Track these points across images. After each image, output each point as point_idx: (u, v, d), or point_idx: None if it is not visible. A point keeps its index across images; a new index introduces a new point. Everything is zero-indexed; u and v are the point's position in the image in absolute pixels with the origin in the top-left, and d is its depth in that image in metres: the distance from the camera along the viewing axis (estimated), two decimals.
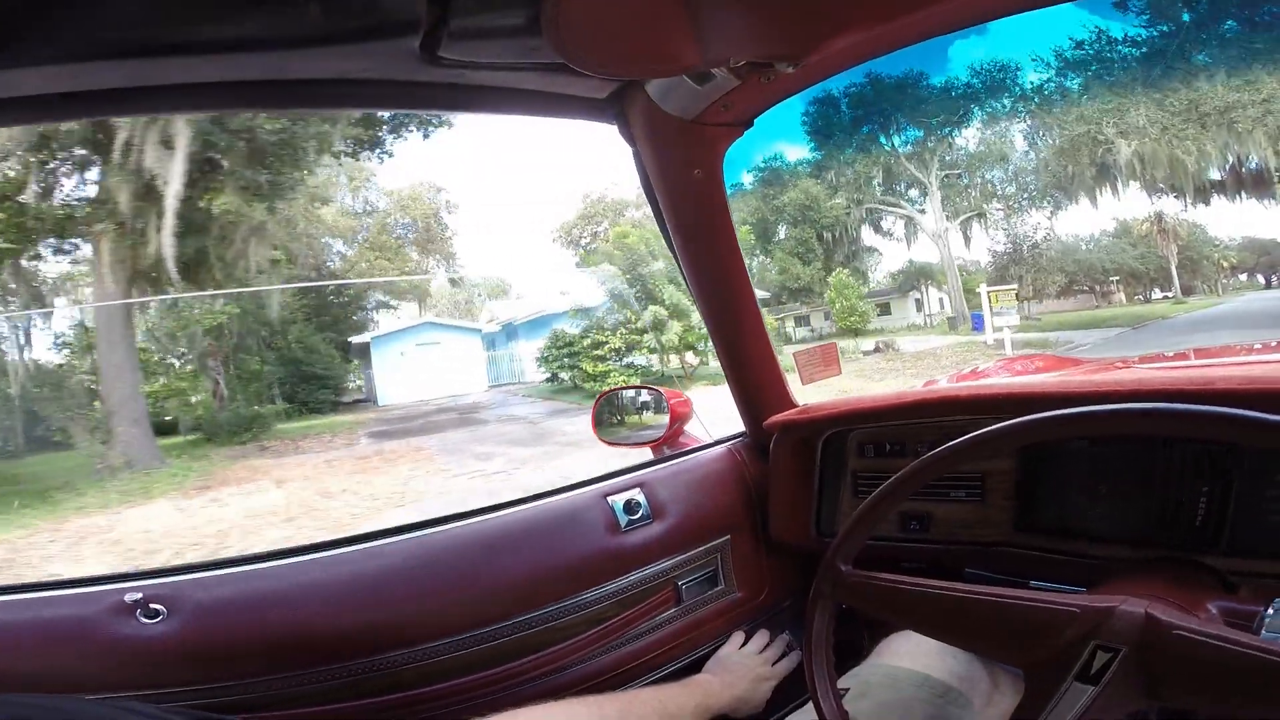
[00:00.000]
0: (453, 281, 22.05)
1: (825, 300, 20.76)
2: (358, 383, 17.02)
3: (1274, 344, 1.19)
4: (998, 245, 25.25)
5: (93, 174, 9.62)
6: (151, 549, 6.07)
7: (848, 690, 0.73)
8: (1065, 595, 0.57)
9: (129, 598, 0.74)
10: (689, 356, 13.98)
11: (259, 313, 14.62)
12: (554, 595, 0.91)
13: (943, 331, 18.05)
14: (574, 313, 14.49)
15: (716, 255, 0.99)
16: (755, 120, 0.86)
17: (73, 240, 10.38)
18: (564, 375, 14.22)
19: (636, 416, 1.36)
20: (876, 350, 14.48)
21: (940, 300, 25.25)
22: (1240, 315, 15.14)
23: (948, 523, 0.93)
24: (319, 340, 15.95)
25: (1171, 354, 1.24)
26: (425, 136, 14.20)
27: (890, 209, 21.03)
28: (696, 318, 12.18)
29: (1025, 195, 23.04)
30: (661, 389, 1.29)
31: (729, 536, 1.07)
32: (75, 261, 11.15)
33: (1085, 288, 27.16)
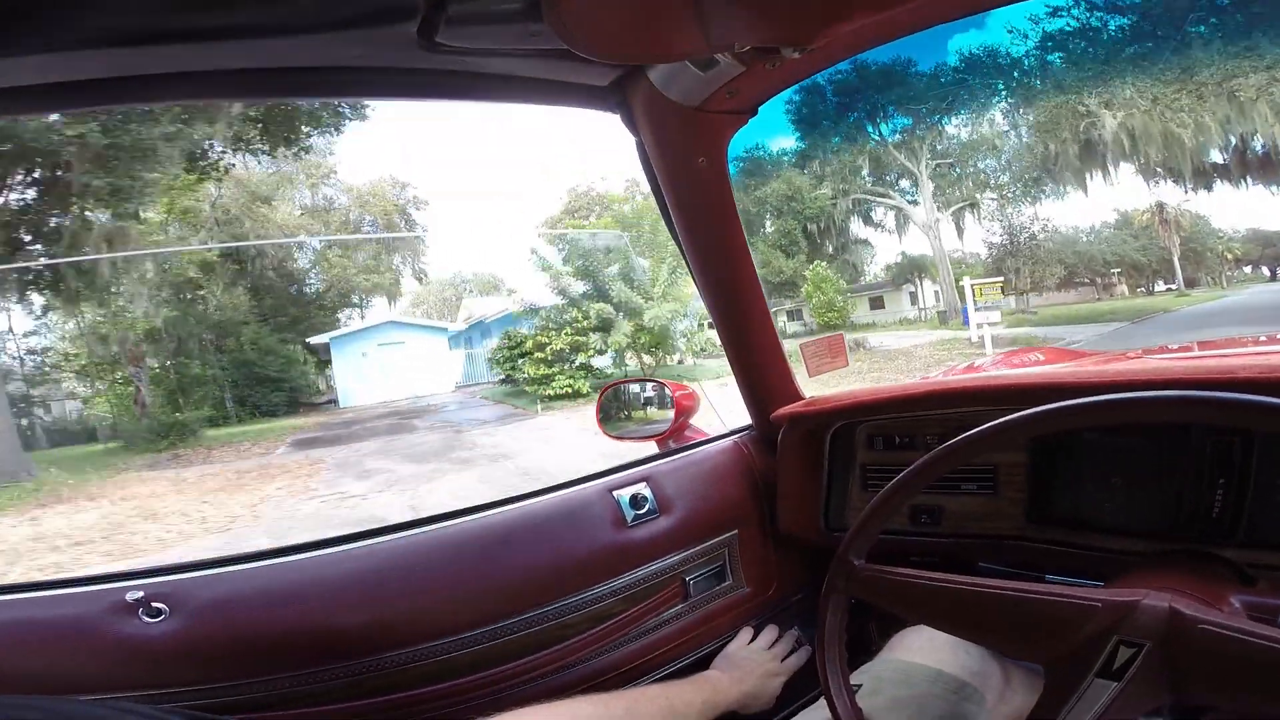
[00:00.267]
0: (418, 277, 21.95)
1: (802, 294, 20.96)
2: (329, 384, 17.17)
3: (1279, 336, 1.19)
4: (994, 236, 25.49)
5: None
6: None
7: (860, 686, 0.75)
8: (1085, 589, 0.58)
9: (131, 596, 0.76)
10: (656, 357, 14.09)
11: (202, 314, 14.64)
12: (560, 591, 0.93)
13: (934, 326, 18.34)
14: (525, 312, 14.53)
15: (721, 245, 1.02)
16: (760, 108, 0.89)
17: None
18: (517, 377, 14.39)
19: (641, 410, 1.40)
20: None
21: (936, 293, 25.60)
22: (1245, 309, 15.34)
23: (959, 516, 0.96)
24: (275, 341, 16.06)
25: (1175, 346, 1.28)
26: (336, 131, 14.37)
27: (879, 200, 21.30)
28: (650, 316, 12.36)
29: (1019, 184, 23.38)
30: (666, 382, 1.33)
31: (736, 531, 1.11)
32: None
33: (1086, 280, 27.54)
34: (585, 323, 13.01)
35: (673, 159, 0.94)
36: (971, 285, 13.48)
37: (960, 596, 0.63)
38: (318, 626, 0.82)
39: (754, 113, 0.90)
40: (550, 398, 12.83)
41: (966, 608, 0.63)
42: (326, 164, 19.91)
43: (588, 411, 11.28)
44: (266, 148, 13.25)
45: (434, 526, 0.94)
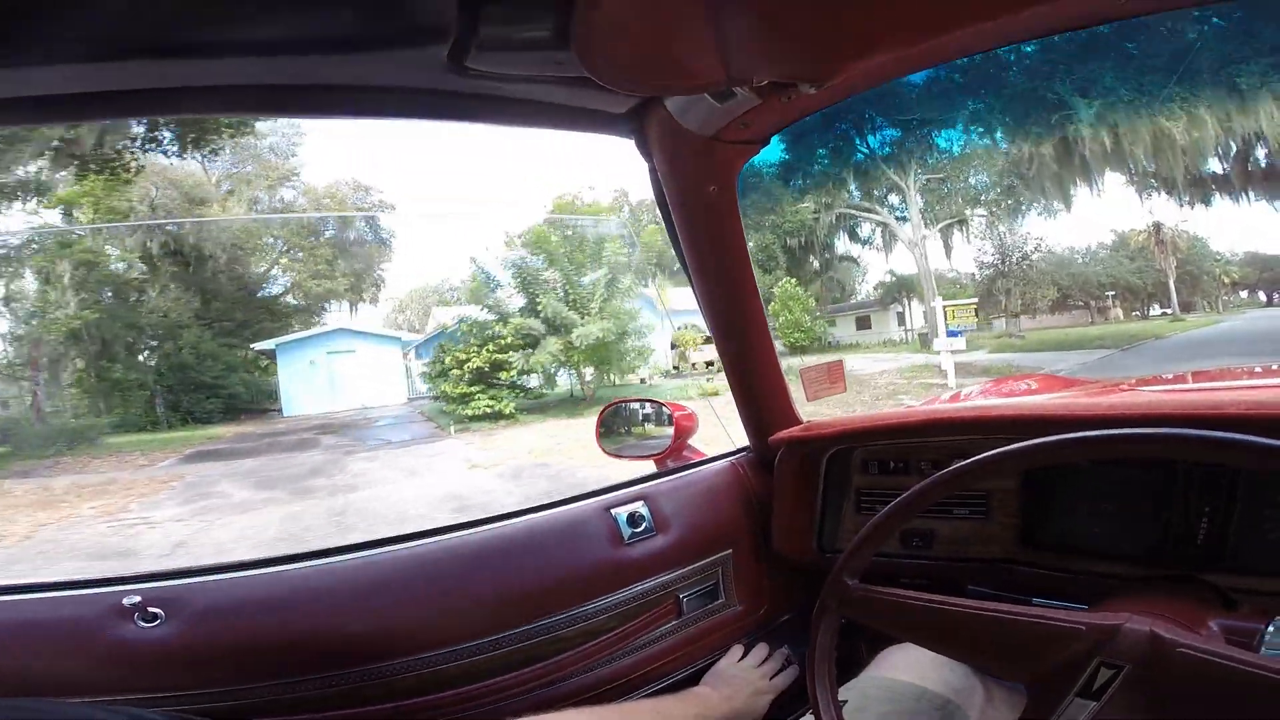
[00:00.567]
0: (375, 284, 21.77)
1: (769, 312, 21.16)
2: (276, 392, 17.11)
3: (1275, 367, 1.32)
4: (985, 256, 25.78)
5: None
6: None
7: (846, 702, 0.80)
8: (1070, 612, 0.64)
9: (127, 601, 0.81)
10: (603, 374, 14.12)
11: (133, 316, 14.60)
12: (556, 606, 1.00)
13: (915, 349, 18.65)
14: (460, 325, 14.51)
15: (728, 271, 1.10)
16: (772, 138, 0.97)
17: None
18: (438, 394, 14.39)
19: (640, 428, 1.48)
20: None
21: (925, 314, 25.98)
22: (1240, 337, 15.49)
23: (951, 540, 1.05)
24: (216, 346, 16.02)
25: (1170, 376, 1.37)
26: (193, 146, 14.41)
27: (864, 215, 21.61)
28: (579, 334, 12.42)
29: (1009, 199, 23.77)
30: (666, 403, 1.42)
31: (730, 550, 1.19)
32: None
33: (1080, 303, 27.97)
34: (508, 339, 13.00)
35: (685, 186, 1.01)
36: (944, 307, 13.59)
37: (950, 617, 0.69)
38: (314, 635, 0.87)
39: (765, 143, 0.97)
40: (469, 418, 12.73)
41: (956, 627, 0.69)
42: (286, 166, 20.07)
43: (504, 437, 11.26)
44: (176, 148, 13.41)
45: (432, 540, 1.00)
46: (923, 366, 13.62)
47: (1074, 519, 0.96)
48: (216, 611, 0.85)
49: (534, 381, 13.77)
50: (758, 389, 1.22)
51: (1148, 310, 26.72)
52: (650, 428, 1.46)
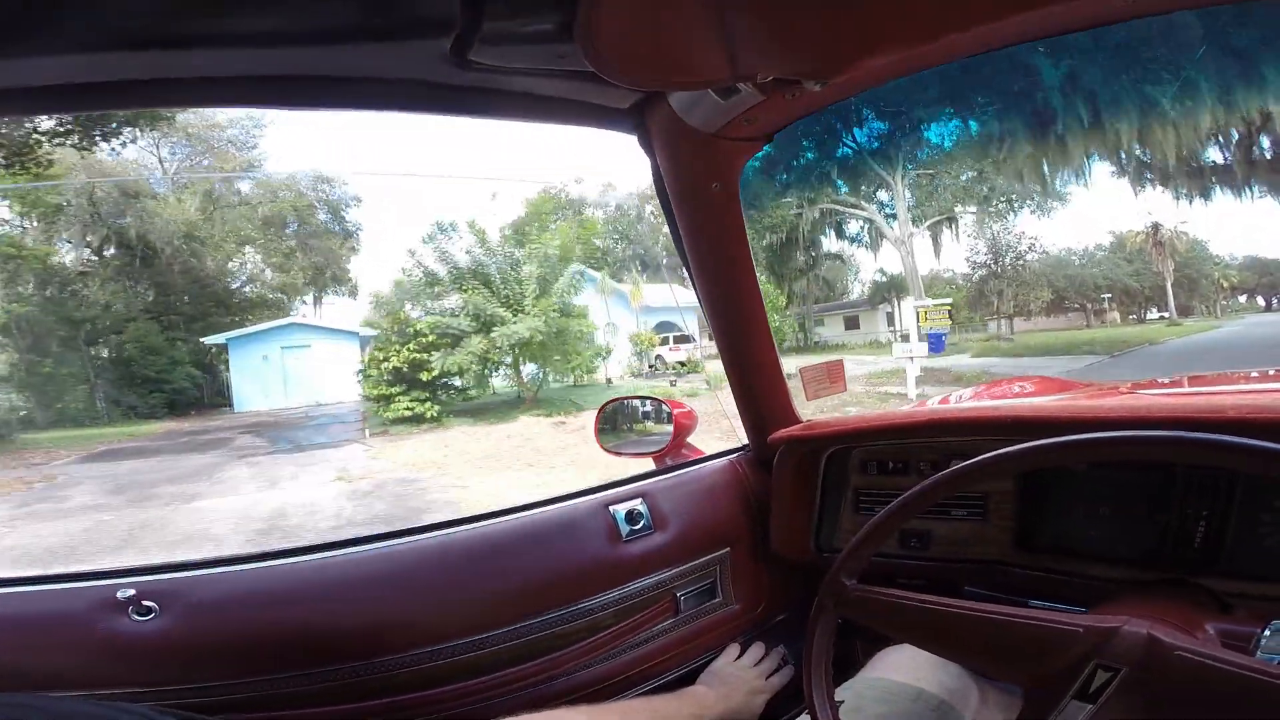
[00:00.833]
0: (337, 278, 21.53)
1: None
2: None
3: (1271, 372, 1.38)
4: (977, 255, 25.92)
5: None
6: None
7: (842, 703, 0.83)
8: (1068, 615, 0.67)
9: (121, 594, 0.83)
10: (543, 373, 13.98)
11: (65, 311, 14.71)
12: (553, 602, 1.05)
13: (889, 352, 18.85)
14: (386, 321, 14.41)
15: (729, 268, 1.14)
16: (775, 135, 1.01)
17: None
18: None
19: (639, 425, 1.54)
20: None
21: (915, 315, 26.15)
22: (1236, 343, 15.65)
23: (948, 540, 1.10)
24: (162, 340, 16.02)
25: (1166, 380, 1.41)
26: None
27: (850, 210, 21.66)
28: (502, 333, 12.32)
29: (1000, 199, 23.84)
30: (666, 400, 1.48)
31: (728, 549, 1.24)
32: None
33: (1076, 305, 28.24)
34: (429, 338, 12.87)
35: (687, 183, 1.05)
36: (916, 308, 13.27)
37: (948, 618, 0.73)
38: (310, 629, 0.91)
39: (769, 140, 1.01)
40: (391, 421, 12.59)
41: (953, 629, 0.73)
42: (244, 158, 20.23)
43: (413, 444, 11.13)
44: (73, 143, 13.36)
45: (430, 535, 1.04)
46: (892, 372, 13.62)
47: (1070, 521, 1.00)
48: (212, 605, 0.88)
49: (465, 381, 13.65)
50: (757, 388, 1.27)
51: (1145, 314, 27.04)
52: (650, 425, 1.52)
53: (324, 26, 0.69)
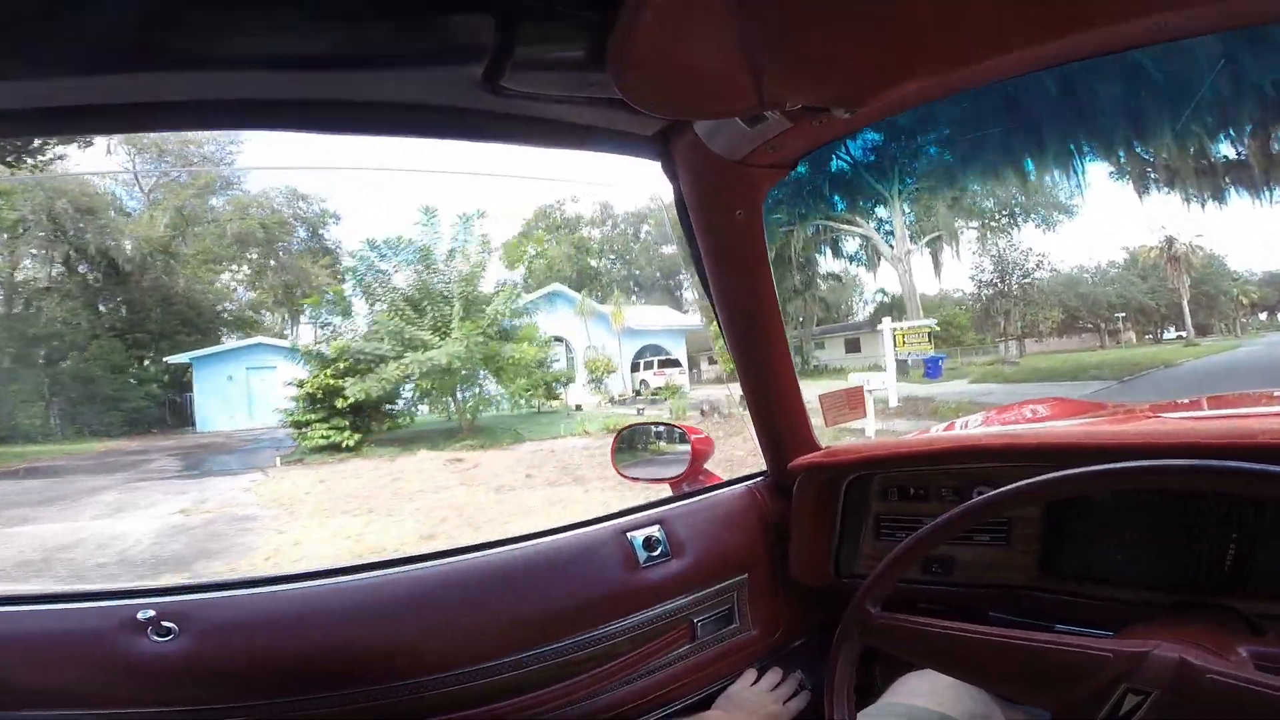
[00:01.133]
0: (288, 287, 21.67)
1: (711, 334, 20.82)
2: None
3: None
4: (983, 274, 25.81)
5: None
6: None
7: None
8: (1097, 639, 0.70)
9: (141, 615, 0.87)
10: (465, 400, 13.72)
11: (18, 328, 15.17)
12: (571, 629, 1.09)
13: (894, 375, 18.53)
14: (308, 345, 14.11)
15: (751, 296, 1.18)
16: (799, 163, 1.04)
17: None
18: None
19: (656, 450, 1.60)
20: (701, 414, 13.39)
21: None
22: (1258, 364, 15.35)
23: (972, 566, 1.14)
24: (125, 358, 16.27)
25: (1186, 401, 1.44)
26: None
27: (844, 227, 21.60)
28: (415, 359, 12.09)
29: (1002, 211, 23.71)
30: (682, 426, 1.54)
31: (746, 575, 1.29)
32: None
33: (1090, 325, 28.19)
34: (344, 364, 12.57)
35: (710, 209, 1.09)
36: (892, 330, 12.79)
37: (974, 645, 0.75)
38: (329, 653, 0.95)
39: (793, 167, 1.05)
40: (309, 449, 12.34)
41: (981, 655, 0.75)
42: (216, 173, 20.57)
43: (312, 475, 10.80)
44: None
45: (448, 560, 1.08)
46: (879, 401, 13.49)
47: (1095, 546, 1.04)
48: (233, 627, 0.92)
49: (398, 408, 13.48)
50: (777, 414, 1.32)
51: (1161, 333, 26.99)
52: (664, 445, 1.59)
53: (358, 52, 0.72)
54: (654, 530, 1.21)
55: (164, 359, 16.90)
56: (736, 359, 1.26)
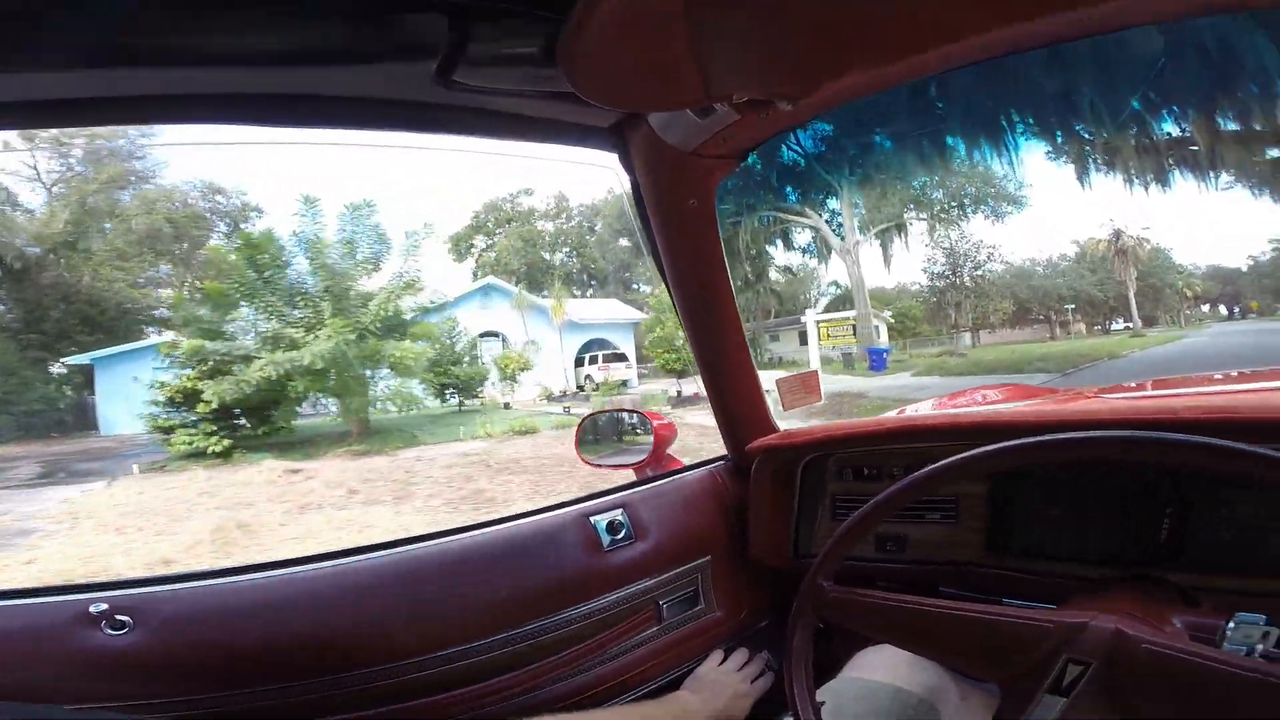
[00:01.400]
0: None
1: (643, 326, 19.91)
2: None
3: (1234, 374, 1.46)
4: (935, 265, 25.67)
5: None
6: None
7: (824, 704, 0.86)
8: (1040, 611, 0.73)
9: (94, 609, 0.87)
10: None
11: None
12: (535, 613, 1.11)
13: (836, 370, 17.69)
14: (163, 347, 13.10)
15: (706, 283, 1.23)
16: (750, 153, 1.09)
17: None
18: None
19: (620, 438, 1.62)
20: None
21: (875, 329, 25.62)
22: (1202, 354, 15.51)
23: (923, 544, 1.19)
24: (16, 359, 15.64)
25: (1133, 385, 1.47)
26: None
27: (793, 219, 20.84)
28: (272, 360, 11.37)
29: (953, 203, 23.32)
30: (645, 413, 1.57)
31: (709, 557, 1.33)
32: None
33: (1040, 317, 28.53)
34: (204, 365, 11.73)
35: (665, 200, 1.14)
36: (816, 323, 12.42)
37: (925, 617, 0.78)
38: (285, 643, 0.95)
39: (744, 158, 1.09)
40: (179, 456, 11.71)
41: (931, 628, 0.78)
42: (124, 167, 19.67)
43: (160, 484, 10.21)
44: None
45: (408, 548, 1.09)
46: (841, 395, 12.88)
47: (1038, 523, 1.08)
48: (186, 620, 0.91)
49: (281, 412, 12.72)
50: (734, 398, 1.36)
51: (1109, 325, 27.28)
52: (629, 437, 1.59)
53: (312, 47, 0.73)
54: (617, 514, 1.23)
55: (61, 359, 16.17)
56: (694, 345, 1.30)
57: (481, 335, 18.31)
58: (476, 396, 15.85)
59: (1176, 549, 0.92)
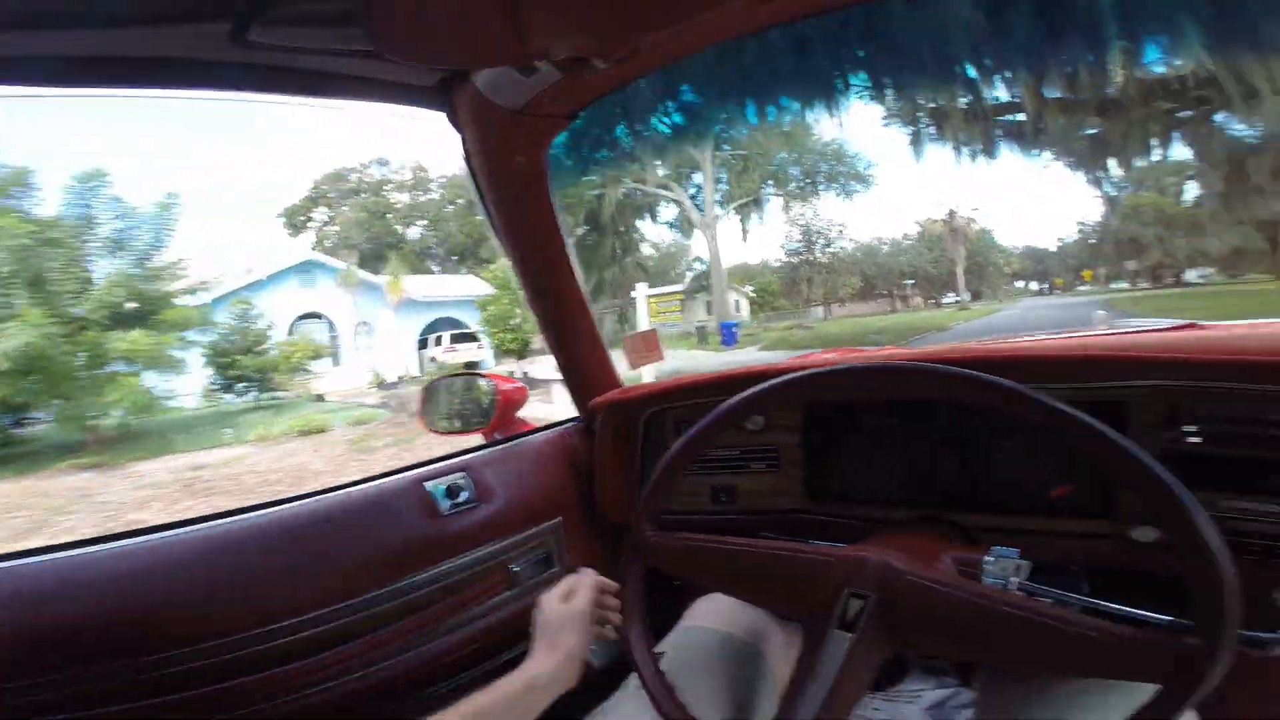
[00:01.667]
0: None
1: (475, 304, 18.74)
2: None
3: (1041, 337, 1.46)
4: (791, 242, 26.20)
5: None
6: None
7: (664, 654, 0.89)
8: (827, 548, 0.76)
9: None
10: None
11: None
12: (371, 583, 1.04)
13: (691, 345, 17.41)
14: None
15: (540, 241, 1.21)
16: (581, 113, 1.06)
17: None
18: None
19: (464, 403, 1.52)
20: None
21: (736, 303, 25.62)
22: (1014, 325, 16.87)
23: (750, 493, 1.22)
24: None
25: (946, 347, 1.38)
26: None
27: (657, 191, 20.22)
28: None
29: (808, 180, 23.62)
30: (491, 375, 1.50)
31: (560, 518, 1.30)
32: None
33: (884, 292, 30.02)
34: None
35: (494, 159, 1.10)
36: (646, 297, 11.84)
37: (733, 557, 0.79)
38: (101, 624, 0.86)
39: (574, 117, 1.06)
40: None
41: (739, 569, 0.79)
42: None
43: None
44: None
45: (234, 519, 1.00)
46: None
47: (851, 468, 1.13)
48: (6, 601, 0.83)
49: None
50: (577, 356, 1.34)
51: (941, 299, 28.98)
52: (477, 403, 1.50)
53: (104, 7, 0.69)
54: (456, 478, 1.19)
55: None
56: (533, 304, 1.28)
57: (301, 318, 16.44)
58: (277, 388, 14.28)
59: (965, 491, 1.01)
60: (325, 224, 28.69)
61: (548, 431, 1.39)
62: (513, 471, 1.24)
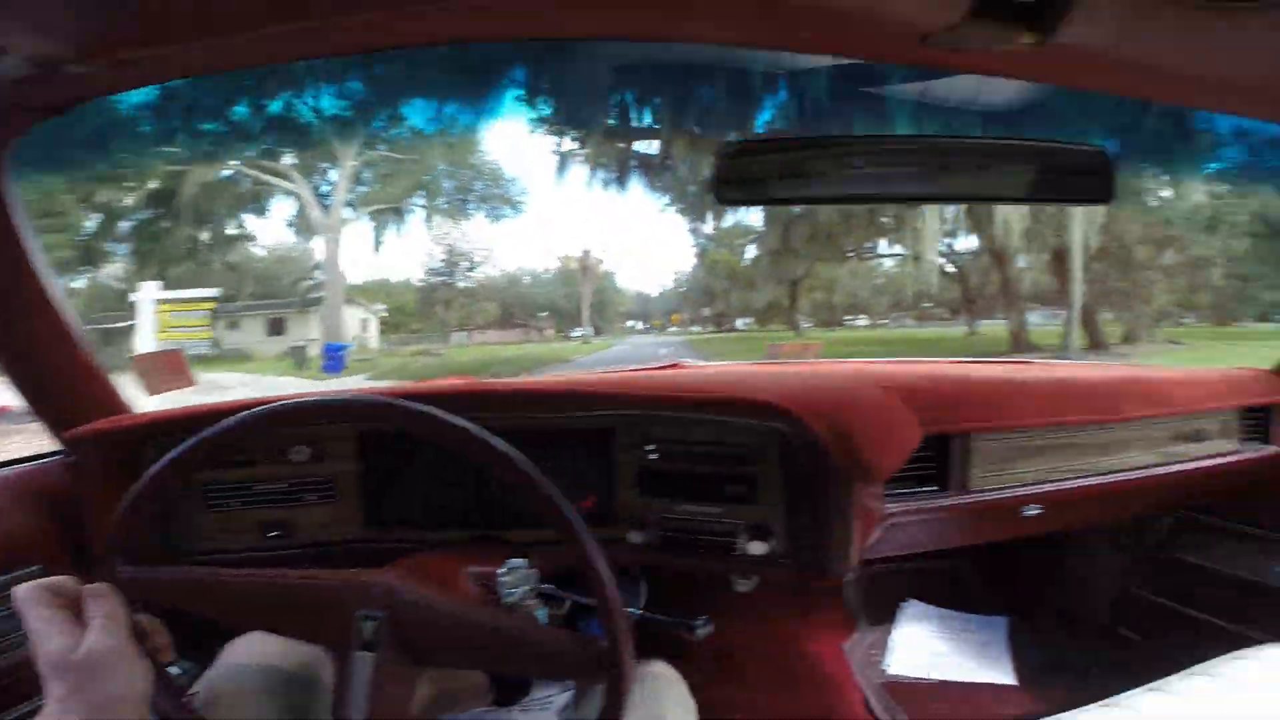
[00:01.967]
0: None
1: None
2: None
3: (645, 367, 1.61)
4: (434, 260, 25.25)
5: None
6: None
7: (196, 694, 0.85)
8: (340, 573, 0.73)
9: None
10: None
11: None
12: None
13: (290, 369, 15.38)
14: None
15: None
16: (66, 112, 0.91)
17: None
18: None
19: None
20: None
21: (364, 322, 23.66)
22: (624, 358, 18.70)
23: (308, 526, 1.16)
24: None
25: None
26: None
27: (272, 180, 17.64)
28: None
29: (461, 196, 23.03)
30: None
31: (38, 567, 1.09)
32: None
33: (521, 321, 30.95)
34: None
35: None
36: (157, 304, 9.53)
37: (235, 589, 0.73)
38: None
39: (59, 113, 0.92)
40: None
41: (245, 600, 0.73)
42: None
43: None
44: None
45: None
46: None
47: (408, 495, 1.14)
48: None
49: None
50: (53, 378, 1.13)
51: (570, 331, 31.08)
52: None
53: None
54: None
55: None
56: None
57: None
58: None
59: (514, 510, 1.07)
60: None
61: (12, 469, 1.18)
62: None
